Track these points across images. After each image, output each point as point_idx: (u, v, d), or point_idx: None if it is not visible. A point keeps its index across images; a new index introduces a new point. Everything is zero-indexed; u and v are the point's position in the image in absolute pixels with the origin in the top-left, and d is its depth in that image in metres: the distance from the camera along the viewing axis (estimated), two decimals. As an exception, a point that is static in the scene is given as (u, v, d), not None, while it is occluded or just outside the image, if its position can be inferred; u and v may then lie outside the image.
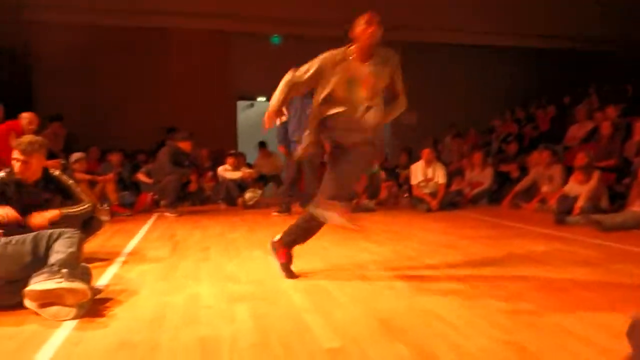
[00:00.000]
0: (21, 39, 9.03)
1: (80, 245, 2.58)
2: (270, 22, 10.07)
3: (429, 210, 6.58)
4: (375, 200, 6.80)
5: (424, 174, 6.82)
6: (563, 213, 5.34)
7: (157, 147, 7.88)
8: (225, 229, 5.18)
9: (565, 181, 6.15)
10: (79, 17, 9.33)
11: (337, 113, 2.82)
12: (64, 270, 2.32)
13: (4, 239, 2.55)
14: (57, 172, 3.38)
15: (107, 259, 3.61)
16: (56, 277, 2.28)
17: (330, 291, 2.70)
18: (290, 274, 3.00)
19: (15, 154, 3.08)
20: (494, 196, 7.55)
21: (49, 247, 2.50)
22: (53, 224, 3.01)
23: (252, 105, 12.93)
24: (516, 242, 4.22)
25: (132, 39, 9.80)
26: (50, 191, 3.25)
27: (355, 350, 1.87)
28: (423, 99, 9.59)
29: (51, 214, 3.10)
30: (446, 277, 3.02)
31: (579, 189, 5.55)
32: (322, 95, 2.83)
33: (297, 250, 3.09)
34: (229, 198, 7.53)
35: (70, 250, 2.47)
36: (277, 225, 5.40)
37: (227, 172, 7.71)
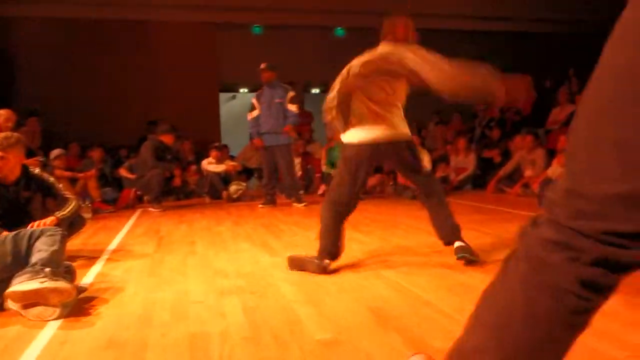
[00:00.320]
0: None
1: (63, 242, 2.52)
2: (252, 12, 9.93)
3: (414, 197, 6.59)
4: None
5: (409, 161, 6.81)
6: (547, 196, 5.39)
7: (138, 141, 7.76)
8: (211, 223, 5.13)
9: (547, 165, 6.21)
10: (57, 10, 9.08)
11: None
12: (47, 270, 2.27)
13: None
14: (37, 170, 3.30)
15: (91, 257, 3.54)
16: (39, 276, 2.23)
17: (319, 282, 2.69)
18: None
19: (-9, 151, 3.00)
20: (478, 181, 7.62)
21: (30, 246, 2.44)
22: None
23: (234, 97, 12.83)
24: (503, 226, 4.25)
25: (112, 32, 9.59)
26: (31, 190, 3.18)
27: (347, 340, 1.86)
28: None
29: (49, 220, 3.01)
30: (435, 264, 3.02)
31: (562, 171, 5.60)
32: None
33: (287, 242, 3.06)
34: (214, 191, 7.47)
35: (53, 248, 2.41)
36: (264, 217, 5.38)
37: (210, 165, 7.65)
